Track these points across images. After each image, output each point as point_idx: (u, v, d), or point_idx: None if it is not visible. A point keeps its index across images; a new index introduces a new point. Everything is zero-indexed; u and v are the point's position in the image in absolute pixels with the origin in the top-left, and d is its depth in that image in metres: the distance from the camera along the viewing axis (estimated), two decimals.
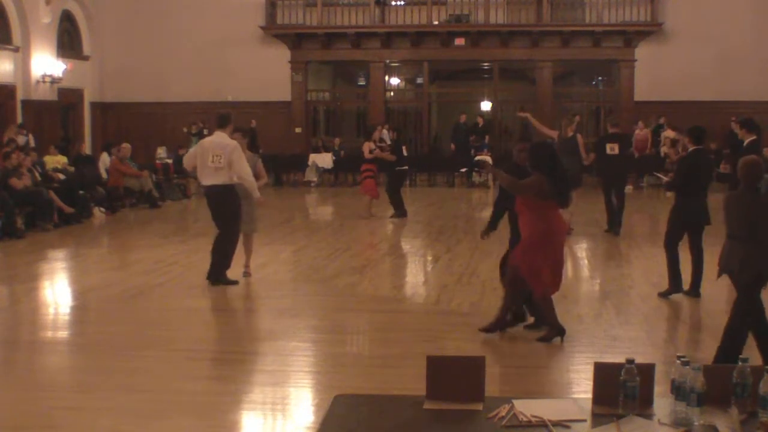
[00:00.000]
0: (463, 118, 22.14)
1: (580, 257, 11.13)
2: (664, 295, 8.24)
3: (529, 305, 6.96)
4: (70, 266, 10.92)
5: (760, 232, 5.58)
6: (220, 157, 8.66)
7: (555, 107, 21.98)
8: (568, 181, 6.78)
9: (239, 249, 9.09)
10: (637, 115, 21.22)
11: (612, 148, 12.71)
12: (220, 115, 9.17)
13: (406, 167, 15.16)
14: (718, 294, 8.51)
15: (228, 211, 8.84)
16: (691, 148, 8.39)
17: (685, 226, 8.22)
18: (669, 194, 8.81)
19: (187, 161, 9.39)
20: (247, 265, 9.26)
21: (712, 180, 9.22)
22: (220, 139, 8.83)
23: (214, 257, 8.93)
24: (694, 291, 8.27)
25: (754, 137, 9.27)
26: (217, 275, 8.89)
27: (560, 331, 6.61)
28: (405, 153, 15.16)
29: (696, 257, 8.26)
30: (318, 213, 17.77)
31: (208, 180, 8.81)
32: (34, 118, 18.74)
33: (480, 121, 22.10)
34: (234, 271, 9.03)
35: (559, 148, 13.68)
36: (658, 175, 12.08)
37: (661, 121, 20.67)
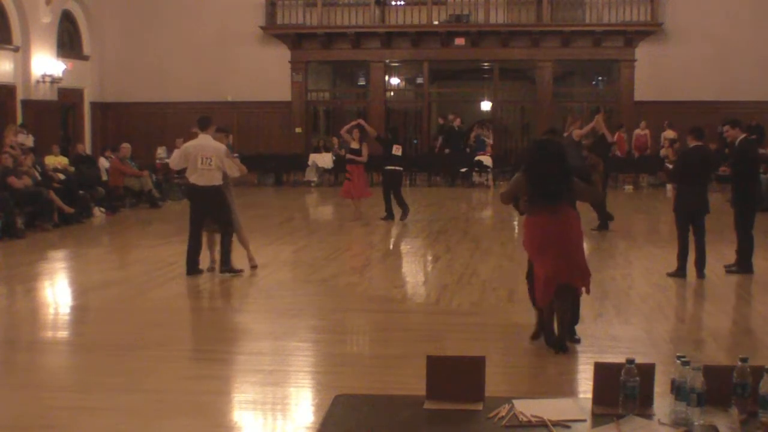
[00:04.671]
0: (453, 118, 22.05)
1: None
2: (671, 275, 9.07)
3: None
4: (70, 266, 10.92)
5: None
6: (210, 160, 9.08)
7: (555, 107, 21.99)
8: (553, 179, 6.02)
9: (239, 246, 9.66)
10: (637, 115, 21.26)
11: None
12: (203, 118, 9.51)
13: (398, 167, 14.11)
14: (718, 294, 8.52)
15: (223, 208, 9.29)
16: (692, 144, 9.20)
17: (687, 213, 9.02)
18: (669, 189, 9.49)
19: (174, 163, 9.87)
20: (251, 258, 9.75)
21: (711, 174, 10.21)
22: (207, 141, 9.22)
23: (223, 248, 9.35)
24: (699, 273, 9.02)
25: (744, 135, 9.54)
26: (227, 264, 9.35)
27: (543, 335, 6.46)
28: (398, 153, 14.01)
29: (698, 243, 9.02)
30: (318, 213, 17.76)
31: (200, 181, 9.17)
32: (34, 118, 18.73)
33: (457, 121, 21.77)
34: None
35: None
36: (669, 165, 12.29)
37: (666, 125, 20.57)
